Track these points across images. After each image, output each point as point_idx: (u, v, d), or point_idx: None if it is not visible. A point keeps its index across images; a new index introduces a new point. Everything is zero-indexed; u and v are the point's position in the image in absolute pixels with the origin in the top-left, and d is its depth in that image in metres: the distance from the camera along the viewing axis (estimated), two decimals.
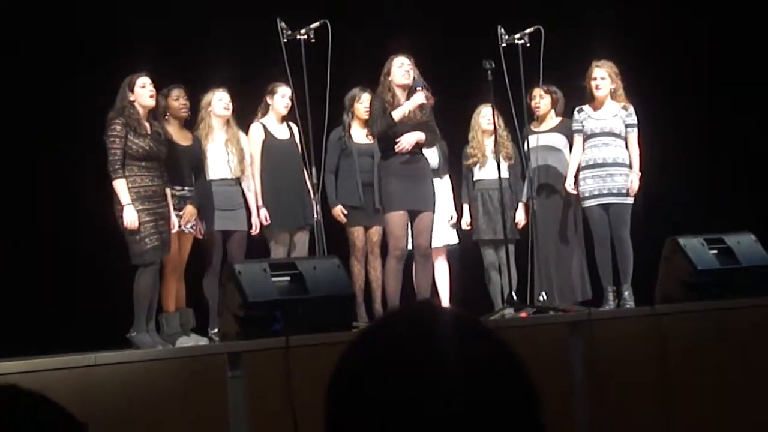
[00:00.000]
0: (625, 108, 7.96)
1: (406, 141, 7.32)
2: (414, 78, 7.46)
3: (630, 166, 7.91)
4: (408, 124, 7.40)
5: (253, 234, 7.85)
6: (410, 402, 1.20)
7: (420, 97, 7.35)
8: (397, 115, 7.35)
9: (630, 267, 7.82)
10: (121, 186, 6.92)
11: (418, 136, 7.34)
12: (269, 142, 7.93)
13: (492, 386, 1.23)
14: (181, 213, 7.43)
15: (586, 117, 8.03)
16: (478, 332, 1.28)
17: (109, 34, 8.27)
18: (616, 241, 7.87)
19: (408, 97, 7.47)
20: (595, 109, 8.03)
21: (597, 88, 7.99)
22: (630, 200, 7.89)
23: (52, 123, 8.11)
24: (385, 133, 7.38)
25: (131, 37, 8.18)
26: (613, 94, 7.98)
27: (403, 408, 1.20)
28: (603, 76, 7.98)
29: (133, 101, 7.05)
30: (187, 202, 7.50)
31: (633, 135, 7.96)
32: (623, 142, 7.95)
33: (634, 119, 7.97)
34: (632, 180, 7.86)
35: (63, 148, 8.01)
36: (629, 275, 7.81)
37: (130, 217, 6.88)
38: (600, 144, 7.94)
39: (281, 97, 7.92)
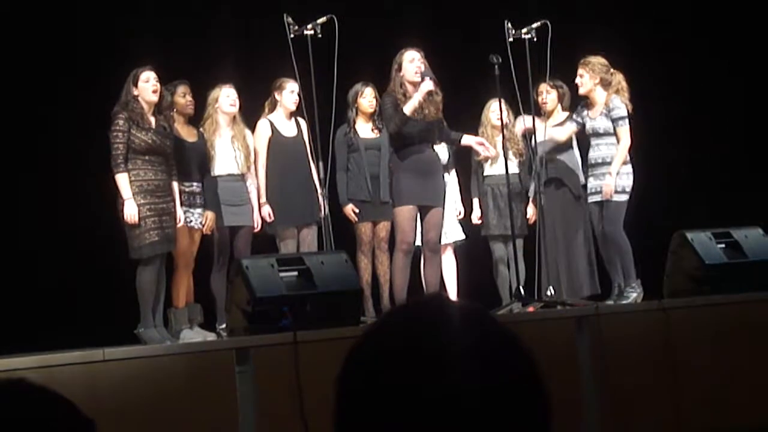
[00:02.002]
0: (607, 105, 7.87)
1: (423, 91, 7.32)
2: (422, 71, 7.48)
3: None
4: (420, 122, 7.42)
5: (255, 231, 7.85)
6: (419, 395, 1.20)
7: (427, 84, 7.37)
8: (408, 109, 7.39)
9: (628, 262, 7.73)
10: (122, 180, 6.93)
11: (429, 86, 7.33)
12: (275, 139, 7.92)
13: (501, 378, 1.23)
14: (191, 209, 7.44)
15: (585, 115, 8.02)
16: (487, 325, 1.28)
17: (114, 28, 8.26)
18: (608, 238, 7.82)
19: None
20: (588, 108, 8.02)
21: (579, 86, 7.98)
22: (621, 198, 7.77)
23: (57, 117, 8.11)
24: (400, 130, 7.41)
25: (136, 31, 8.17)
26: (604, 87, 7.91)
27: (412, 401, 1.20)
28: (581, 74, 7.95)
29: (137, 95, 7.05)
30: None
31: (619, 130, 7.81)
32: (614, 139, 7.87)
33: (619, 113, 7.82)
34: (606, 182, 7.75)
35: (70, 141, 8.00)
36: (630, 270, 7.73)
37: (130, 211, 6.90)
38: (593, 145, 7.93)
39: (290, 93, 7.90)
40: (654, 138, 8.32)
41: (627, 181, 7.80)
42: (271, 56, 8.01)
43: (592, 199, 7.92)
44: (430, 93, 7.42)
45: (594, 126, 7.90)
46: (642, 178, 7.99)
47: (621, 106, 7.83)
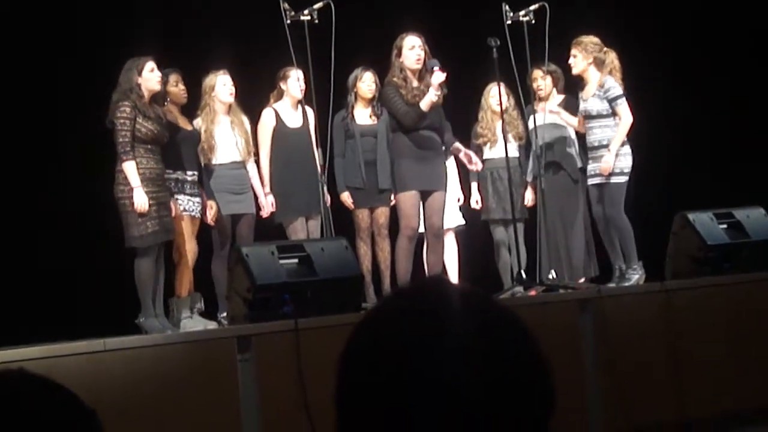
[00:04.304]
0: (601, 85, 7.77)
1: (436, 84, 7.31)
2: (426, 60, 7.45)
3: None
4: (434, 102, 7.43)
5: (264, 217, 7.84)
6: (421, 380, 1.19)
7: (438, 77, 7.32)
8: (425, 105, 7.36)
9: (630, 244, 7.69)
10: (131, 168, 6.89)
11: (441, 78, 7.33)
12: (279, 129, 7.89)
13: (503, 361, 1.22)
14: (191, 198, 7.42)
15: (580, 98, 7.99)
16: (489, 308, 1.27)
17: (107, 17, 8.22)
18: (610, 220, 7.78)
19: (420, 78, 7.48)
20: (581, 89, 7.98)
21: (572, 68, 7.92)
22: (619, 179, 7.68)
23: (51, 104, 8.06)
24: (417, 125, 7.40)
25: (129, 17, 8.13)
26: (598, 67, 7.85)
27: (414, 386, 1.19)
28: (574, 54, 7.89)
29: (140, 84, 7.02)
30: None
31: (619, 109, 7.71)
32: (608, 121, 7.78)
33: (614, 92, 7.72)
34: (605, 160, 7.68)
35: (67, 131, 7.97)
36: (631, 253, 7.69)
37: (141, 200, 6.86)
38: (587, 127, 7.88)
39: (295, 81, 7.85)
40: (654, 118, 8.29)
41: (625, 162, 7.72)
42: (267, 42, 7.97)
43: (591, 181, 7.88)
44: (440, 84, 7.38)
45: (586, 108, 7.84)
46: (643, 159, 7.96)
47: (615, 85, 7.74)
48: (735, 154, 9.68)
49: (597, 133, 7.79)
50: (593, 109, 7.79)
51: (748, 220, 7.24)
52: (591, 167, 7.86)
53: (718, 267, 6.90)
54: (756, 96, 9.86)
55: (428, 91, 7.38)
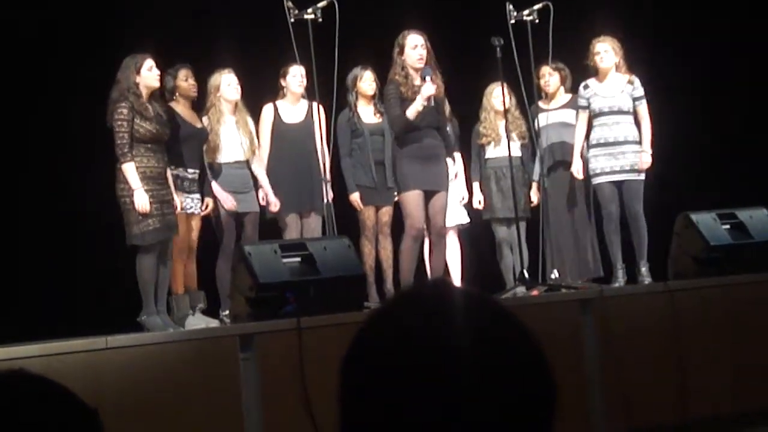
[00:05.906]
0: (630, 82, 7.89)
1: (425, 96, 7.30)
2: (424, 65, 7.42)
3: (640, 143, 7.86)
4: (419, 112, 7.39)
5: (273, 212, 7.83)
6: (424, 380, 1.19)
7: (428, 88, 7.28)
8: (411, 114, 7.32)
9: (645, 243, 7.77)
10: (130, 170, 6.88)
11: (430, 91, 7.31)
12: (278, 125, 7.90)
13: (506, 363, 1.21)
14: (190, 195, 7.42)
15: (592, 94, 7.97)
16: (491, 310, 1.27)
17: (111, 15, 8.22)
18: (630, 217, 7.82)
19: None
20: (600, 82, 7.97)
21: (601, 60, 7.93)
22: (642, 177, 7.84)
23: (52, 103, 8.05)
24: (402, 132, 7.40)
25: (130, 15, 8.12)
26: (617, 68, 7.93)
27: (416, 386, 1.19)
28: (606, 49, 7.93)
29: (138, 83, 7.00)
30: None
31: (641, 108, 7.89)
32: (632, 118, 7.90)
33: (640, 92, 7.90)
34: (642, 157, 7.81)
35: (67, 128, 7.96)
36: (645, 251, 7.76)
37: (142, 201, 6.85)
38: (610, 123, 7.88)
39: (293, 77, 7.88)
40: (657, 119, 8.28)
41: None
42: (271, 41, 7.97)
43: (606, 179, 7.85)
44: (428, 98, 7.33)
45: (617, 104, 7.87)
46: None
47: (640, 84, 7.90)
48: (738, 155, 9.66)
49: (624, 129, 7.86)
50: (624, 106, 7.89)
51: (751, 220, 7.24)
52: (612, 164, 7.83)
53: (720, 268, 6.89)
54: (760, 96, 9.84)
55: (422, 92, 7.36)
